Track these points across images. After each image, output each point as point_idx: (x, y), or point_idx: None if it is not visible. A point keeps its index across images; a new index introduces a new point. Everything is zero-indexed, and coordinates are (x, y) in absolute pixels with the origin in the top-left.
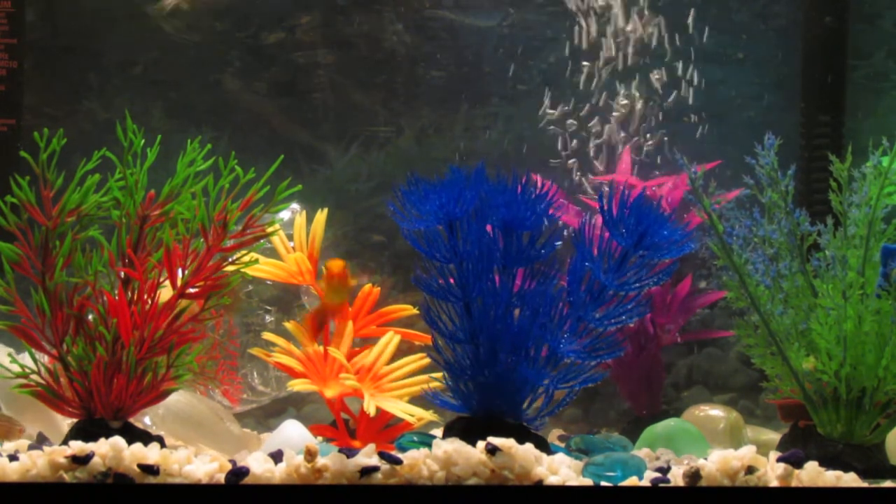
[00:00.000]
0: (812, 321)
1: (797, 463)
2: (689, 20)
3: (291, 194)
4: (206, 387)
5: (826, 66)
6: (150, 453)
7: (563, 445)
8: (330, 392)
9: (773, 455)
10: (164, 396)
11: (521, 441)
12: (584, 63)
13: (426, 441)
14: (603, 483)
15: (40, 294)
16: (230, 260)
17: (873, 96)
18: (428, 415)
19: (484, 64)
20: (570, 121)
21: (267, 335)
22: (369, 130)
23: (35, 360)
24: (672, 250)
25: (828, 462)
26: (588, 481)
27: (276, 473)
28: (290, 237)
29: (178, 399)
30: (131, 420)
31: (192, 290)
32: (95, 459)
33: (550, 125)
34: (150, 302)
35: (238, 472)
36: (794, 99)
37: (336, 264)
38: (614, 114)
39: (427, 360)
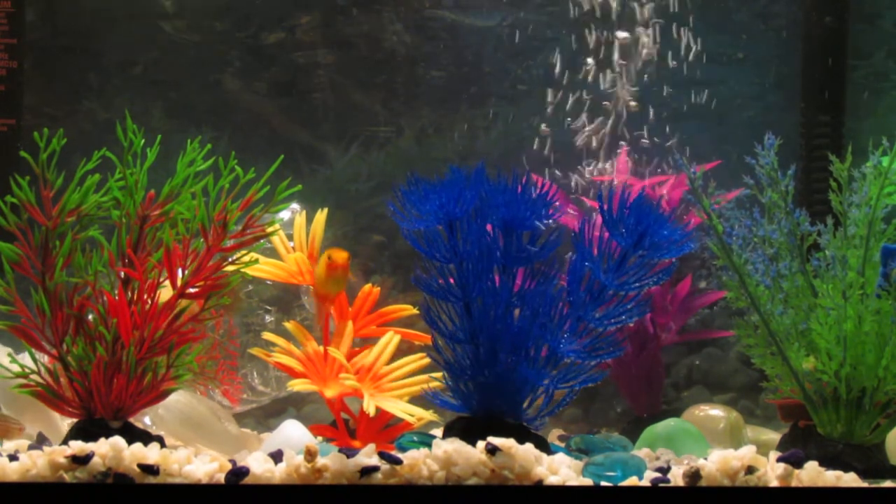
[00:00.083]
0: (812, 321)
1: (797, 463)
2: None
3: (291, 194)
4: (206, 387)
5: (826, 66)
6: (150, 453)
7: (563, 445)
8: (330, 392)
9: (773, 455)
10: (164, 396)
11: (521, 441)
12: (590, 63)
13: (426, 441)
14: (603, 483)
15: (40, 294)
16: (230, 260)
17: (873, 96)
18: (428, 415)
19: (484, 64)
20: (581, 122)
21: (267, 335)
22: (369, 130)
23: (35, 360)
24: (672, 250)
25: (828, 462)
26: (588, 481)
27: (276, 473)
28: (290, 237)
29: (178, 399)
30: (131, 420)
31: (192, 290)
32: (95, 459)
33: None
34: (150, 302)
35: (238, 472)
36: (794, 99)
37: (340, 255)
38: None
39: (427, 360)
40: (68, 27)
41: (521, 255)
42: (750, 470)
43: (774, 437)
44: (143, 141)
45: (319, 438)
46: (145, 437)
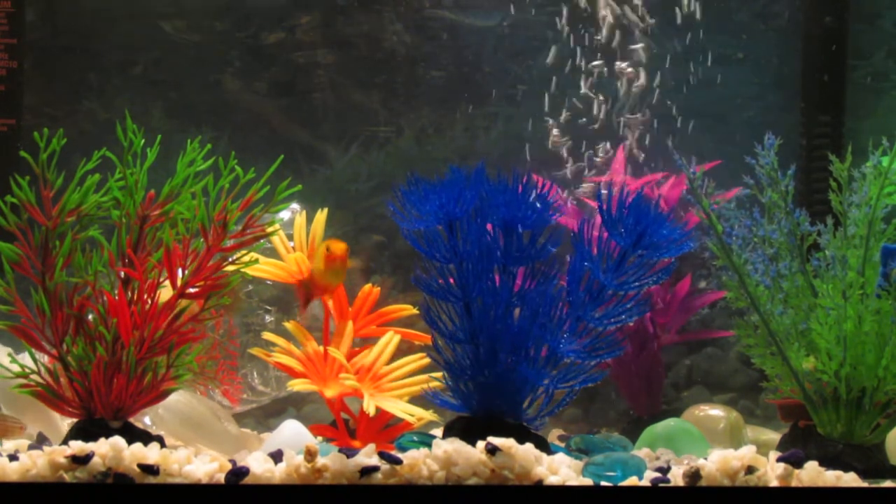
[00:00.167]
0: (812, 321)
1: (797, 463)
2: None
3: (291, 194)
4: (206, 387)
5: (826, 66)
6: (150, 453)
7: (563, 445)
8: (330, 392)
9: (773, 455)
10: (163, 396)
11: (521, 441)
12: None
13: (426, 441)
14: (603, 483)
15: (40, 294)
16: (230, 260)
17: (873, 96)
18: (428, 415)
19: (484, 64)
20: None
21: (267, 335)
22: (369, 130)
23: (35, 360)
24: (671, 249)
25: (828, 462)
26: (588, 481)
27: (276, 473)
28: (290, 237)
29: (178, 399)
30: (131, 420)
31: (192, 290)
32: (95, 459)
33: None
34: (150, 302)
35: (238, 472)
36: (794, 99)
37: (339, 246)
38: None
39: (427, 360)
40: (68, 27)
41: (521, 255)
42: (750, 470)
43: (774, 437)
44: (143, 141)
45: (319, 438)
46: (145, 437)
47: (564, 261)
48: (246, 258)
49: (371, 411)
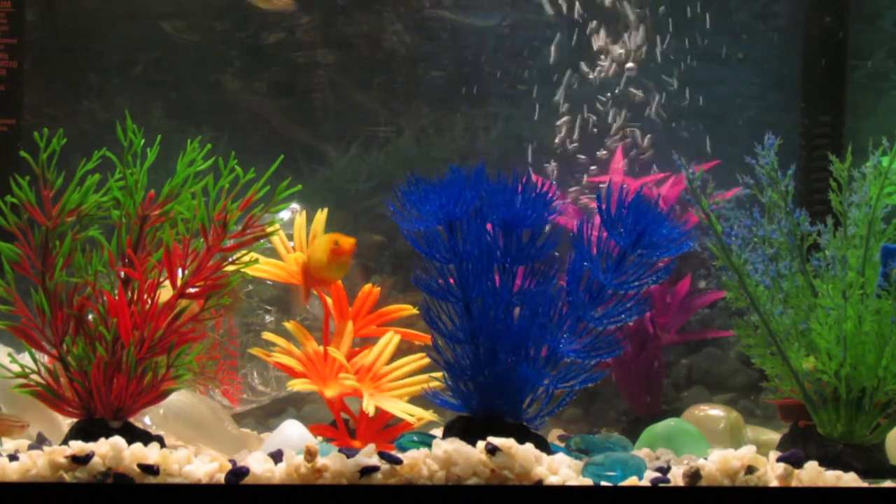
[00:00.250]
0: (812, 321)
1: (797, 463)
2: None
3: (291, 194)
4: (206, 387)
5: (826, 66)
6: (150, 453)
7: (563, 445)
8: (330, 392)
9: (773, 455)
10: (164, 396)
11: (521, 441)
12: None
13: (426, 441)
14: (603, 483)
15: (40, 294)
16: (230, 260)
17: (873, 96)
18: (428, 415)
19: (484, 64)
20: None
21: (267, 335)
22: (369, 130)
23: (35, 360)
24: (670, 249)
25: (828, 462)
26: (588, 481)
27: (276, 473)
28: (290, 237)
29: (178, 399)
30: (131, 420)
31: (192, 290)
32: (95, 459)
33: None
34: (150, 302)
35: (238, 472)
36: (794, 99)
37: (348, 241)
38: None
39: (427, 360)
40: (68, 27)
41: (521, 255)
42: (750, 470)
43: (774, 437)
44: (143, 141)
45: (319, 438)
46: (145, 437)
47: (564, 260)
48: (246, 258)
49: (371, 411)
